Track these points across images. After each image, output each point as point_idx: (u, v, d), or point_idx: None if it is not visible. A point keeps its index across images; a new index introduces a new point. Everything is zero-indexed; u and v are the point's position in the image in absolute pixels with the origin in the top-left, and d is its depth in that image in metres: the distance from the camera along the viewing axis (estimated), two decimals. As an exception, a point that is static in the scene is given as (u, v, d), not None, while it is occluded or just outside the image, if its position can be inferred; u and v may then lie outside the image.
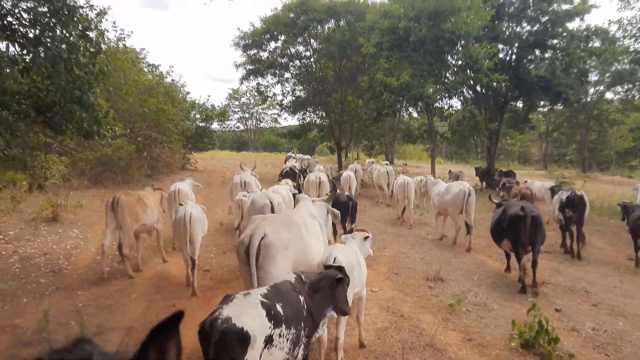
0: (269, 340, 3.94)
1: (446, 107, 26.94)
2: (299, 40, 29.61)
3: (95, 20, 10.82)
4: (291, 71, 31.84)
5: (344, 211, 10.66)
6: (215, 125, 37.48)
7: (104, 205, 9.78)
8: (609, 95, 42.28)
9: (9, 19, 7.50)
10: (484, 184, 27.15)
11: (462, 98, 27.36)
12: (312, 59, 30.93)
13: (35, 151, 10.50)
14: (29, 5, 7.53)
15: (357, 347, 6.40)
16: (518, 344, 6.38)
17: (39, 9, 7.59)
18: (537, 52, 26.05)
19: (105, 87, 10.21)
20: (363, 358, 6.16)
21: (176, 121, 26.33)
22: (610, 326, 7.30)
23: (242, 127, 74.44)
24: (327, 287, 4.83)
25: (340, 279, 4.86)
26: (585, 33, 24.56)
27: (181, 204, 9.61)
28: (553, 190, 14.95)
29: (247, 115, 72.85)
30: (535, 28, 25.47)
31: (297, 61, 31.12)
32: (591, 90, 41.26)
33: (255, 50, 30.76)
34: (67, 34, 7.93)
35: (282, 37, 29.27)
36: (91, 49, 8.21)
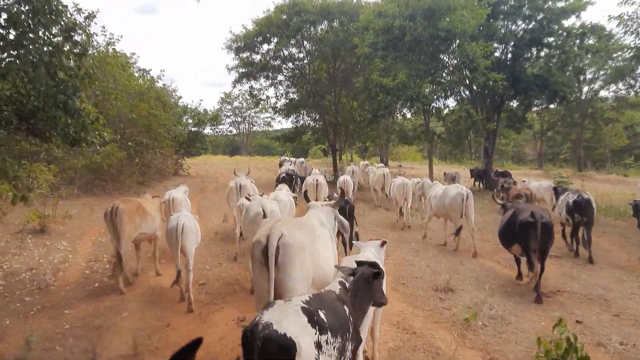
0: (318, 347, 3.75)
1: (442, 107, 26.46)
2: (291, 42, 29.02)
3: (84, 23, 10.26)
4: (284, 73, 31.30)
5: (342, 215, 10.20)
6: (207, 130, 37.10)
7: (103, 214, 9.36)
8: (603, 93, 42.11)
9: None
10: (482, 184, 26.79)
11: (458, 98, 26.91)
12: (305, 61, 30.41)
13: (20, 160, 9.96)
14: (8, 2, 6.97)
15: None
16: (545, 363, 5.89)
17: (20, 8, 7.05)
18: (533, 50, 25.66)
19: (92, 91, 9.60)
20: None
21: (168, 126, 25.83)
22: (638, 339, 6.82)
23: (234, 131, 73.82)
24: (365, 285, 4.71)
25: (377, 274, 4.75)
26: (580, 30, 24.19)
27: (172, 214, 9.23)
28: (556, 191, 14.58)
29: (239, 119, 72.16)
30: (530, 26, 25.08)
31: (290, 63, 30.58)
32: (585, 89, 41.09)
33: (248, 53, 30.20)
34: (50, 36, 7.39)
35: (275, 39, 28.69)
36: (75, 50, 7.63)
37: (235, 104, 69.52)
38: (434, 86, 23.32)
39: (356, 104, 30.06)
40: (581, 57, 24.92)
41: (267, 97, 33.25)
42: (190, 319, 7.63)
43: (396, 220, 16.21)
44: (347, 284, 4.71)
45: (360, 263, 4.93)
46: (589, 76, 35.55)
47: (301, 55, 30.47)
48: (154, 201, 10.93)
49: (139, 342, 6.53)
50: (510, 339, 6.76)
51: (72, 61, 7.69)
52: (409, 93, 21.48)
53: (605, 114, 42.35)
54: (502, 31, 25.52)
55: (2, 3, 6.93)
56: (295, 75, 31.08)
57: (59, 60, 7.37)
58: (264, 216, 8.36)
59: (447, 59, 24.65)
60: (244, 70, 30.53)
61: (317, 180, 15.38)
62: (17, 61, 7.03)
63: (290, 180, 18.78)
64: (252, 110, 68.94)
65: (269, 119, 66.50)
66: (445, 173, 25.92)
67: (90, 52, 13.57)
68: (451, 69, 24.42)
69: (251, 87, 32.19)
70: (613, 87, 40.09)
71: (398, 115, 33.02)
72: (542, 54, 25.68)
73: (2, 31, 6.95)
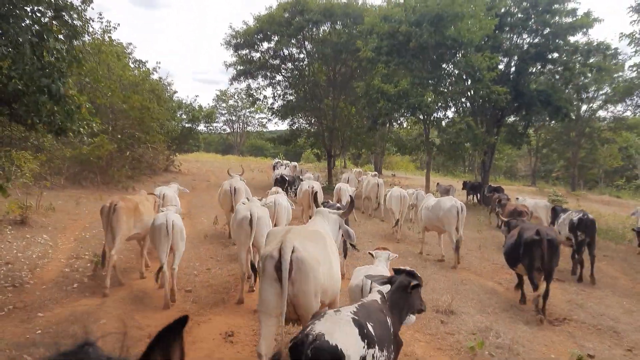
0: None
1: (443, 118, 25.99)
2: (292, 41, 28.45)
3: (80, 7, 9.67)
4: (283, 73, 30.77)
5: None
6: (201, 127, 36.60)
7: (100, 210, 9.02)
8: (601, 113, 41.78)
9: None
10: (476, 198, 26.32)
11: (460, 109, 26.45)
12: (305, 62, 29.86)
13: (4, 147, 9.37)
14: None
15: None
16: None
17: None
18: (538, 65, 25.23)
19: (81, 77, 8.97)
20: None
21: (161, 121, 25.22)
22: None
23: (228, 130, 73.13)
24: (403, 295, 4.65)
25: (416, 285, 4.69)
26: (586, 47, 23.83)
27: (162, 210, 8.95)
28: (555, 210, 14.17)
29: (234, 118, 71.46)
30: (536, 40, 24.69)
31: (290, 63, 30.04)
32: (584, 107, 40.71)
33: (247, 51, 29.66)
34: (38, 14, 6.79)
35: (276, 38, 28.09)
36: (64, 31, 7.03)
37: (231, 102, 68.84)
38: (436, 96, 22.81)
39: (354, 109, 29.56)
40: (584, 74, 24.59)
41: (265, 97, 32.80)
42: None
43: (392, 232, 15.69)
44: (385, 294, 4.64)
45: (398, 271, 4.89)
46: (586, 96, 35.09)
47: (301, 55, 30.01)
48: (149, 199, 10.56)
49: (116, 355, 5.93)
50: (521, 373, 6.22)
51: (60, 43, 7.09)
52: (412, 101, 20.99)
53: (603, 134, 42.04)
54: (507, 44, 25.16)
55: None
56: (294, 76, 30.54)
57: (46, 41, 6.77)
58: (250, 222, 8.18)
59: (451, 69, 24.20)
60: (242, 67, 29.99)
61: (312, 187, 14.98)
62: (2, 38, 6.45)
63: (283, 182, 18.24)
64: (247, 110, 68.21)
65: (264, 120, 65.89)
66: (438, 184, 25.59)
67: (85, 38, 12.99)
68: (454, 79, 23.98)
69: (248, 85, 31.70)
70: (612, 107, 39.88)
71: (396, 124, 32.54)
72: (547, 69, 25.25)
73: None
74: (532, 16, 24.16)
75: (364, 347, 3.65)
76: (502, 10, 24.39)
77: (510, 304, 9.14)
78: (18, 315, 7.13)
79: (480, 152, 24.89)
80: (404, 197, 15.53)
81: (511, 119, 27.86)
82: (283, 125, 33.93)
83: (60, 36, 7.20)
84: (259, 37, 28.56)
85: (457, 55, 22.98)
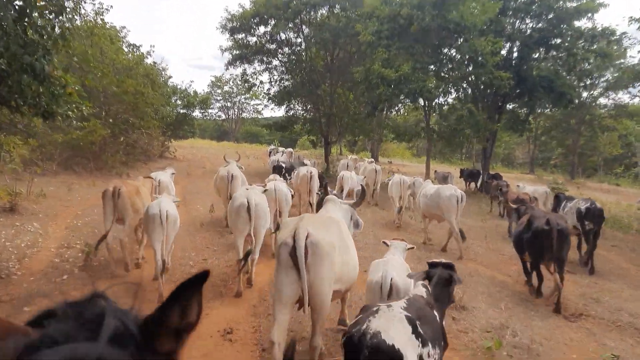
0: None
1: (444, 104, 25.52)
2: (289, 25, 27.84)
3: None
4: (279, 58, 30.19)
5: None
6: (196, 113, 36.18)
7: (102, 194, 8.71)
8: (602, 100, 41.40)
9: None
10: (476, 185, 26.01)
11: (462, 94, 25.99)
12: (302, 47, 29.27)
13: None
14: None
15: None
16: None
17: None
18: (541, 50, 24.73)
19: (69, 57, 8.43)
20: None
21: (156, 106, 24.69)
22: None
23: (223, 117, 72.40)
24: (445, 289, 4.57)
25: (452, 277, 4.62)
26: (591, 33, 23.34)
27: (156, 197, 8.80)
28: (558, 198, 13.89)
29: (229, 104, 70.79)
30: (540, 25, 24.20)
31: (287, 48, 29.47)
32: (585, 94, 40.25)
33: (243, 35, 29.08)
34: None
35: (272, 22, 27.47)
36: (48, 6, 6.52)
37: (226, 88, 68.22)
38: (438, 81, 22.32)
39: (352, 95, 29.05)
40: (588, 60, 24.12)
41: (261, 82, 32.23)
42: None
43: (393, 220, 15.29)
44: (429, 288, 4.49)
45: (433, 264, 4.80)
46: (589, 82, 34.64)
47: (298, 40, 29.47)
48: (146, 183, 10.38)
49: None
50: (542, 377, 5.80)
51: (44, 20, 6.57)
52: (413, 87, 20.50)
53: (604, 122, 41.66)
54: (510, 28, 24.65)
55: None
56: (290, 61, 29.98)
57: (29, 17, 6.26)
58: (248, 209, 7.92)
59: (453, 53, 23.70)
60: (238, 52, 29.43)
61: (310, 173, 14.48)
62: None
63: (281, 169, 17.78)
64: (243, 96, 67.66)
65: (259, 106, 65.40)
66: (435, 172, 25.23)
67: (77, 19, 12.42)
68: (455, 64, 23.48)
69: (244, 70, 31.16)
70: (613, 94, 39.52)
71: (394, 110, 32.08)
72: (550, 55, 24.77)
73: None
74: (536, 0, 23.65)
75: (418, 346, 3.53)
76: (506, -7, 23.88)
77: (522, 298, 8.71)
78: (3, 309, 6.67)
79: (482, 139, 24.41)
80: (404, 183, 15.23)
81: (513, 105, 27.47)
82: (279, 112, 33.41)
83: (46, 12, 6.69)
84: (255, 20, 27.96)
85: (459, 39, 22.46)
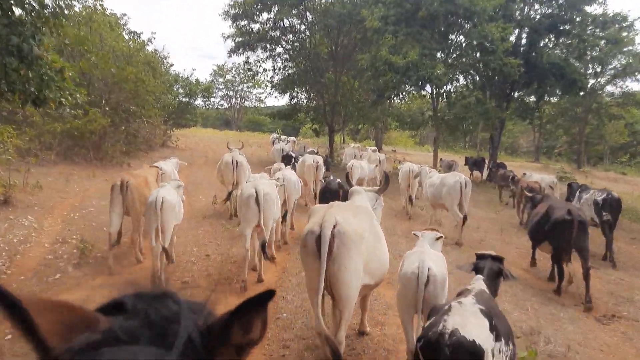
0: (492, 355, 3.40)
1: (453, 91, 24.91)
2: (293, 12, 27.29)
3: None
4: (283, 46, 29.60)
5: (334, 199, 9.38)
6: (198, 102, 35.69)
7: (111, 188, 8.59)
8: (609, 88, 40.74)
9: None
10: (481, 174, 25.69)
11: (469, 82, 25.44)
12: (306, 33, 28.67)
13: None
14: None
15: None
16: None
17: None
18: (551, 36, 24.11)
19: (61, 40, 7.86)
20: None
21: (157, 94, 24.16)
22: None
23: (226, 105, 71.83)
24: (494, 284, 4.49)
25: (501, 270, 4.56)
26: (602, 18, 22.75)
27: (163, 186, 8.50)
28: (571, 187, 13.83)
29: (231, 93, 70.14)
30: (549, 10, 23.60)
31: (290, 35, 28.91)
32: (592, 82, 39.61)
33: (246, 21, 28.54)
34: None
35: (276, 8, 26.96)
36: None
37: (228, 77, 67.54)
38: (446, 68, 21.73)
39: (357, 83, 28.48)
40: (599, 46, 23.53)
41: (264, 70, 31.72)
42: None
43: (403, 206, 14.84)
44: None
45: (481, 256, 4.71)
46: (599, 69, 34.00)
47: (302, 27, 29.01)
48: (152, 172, 10.21)
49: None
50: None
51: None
52: (421, 73, 19.93)
53: (611, 110, 41.03)
54: (519, 14, 24.05)
55: None
56: (294, 49, 29.43)
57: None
58: (257, 199, 7.68)
59: (461, 40, 23.11)
60: (240, 39, 28.87)
61: (317, 162, 14.14)
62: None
63: (290, 159, 17.27)
64: (245, 85, 67.08)
65: (262, 95, 64.95)
66: (441, 160, 24.96)
67: (75, 7, 11.86)
68: (464, 50, 22.88)
69: (247, 58, 30.71)
70: (620, 82, 38.86)
71: (397, 98, 31.43)
72: (560, 41, 24.15)
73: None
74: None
75: (493, 340, 3.42)
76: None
77: (548, 297, 8.18)
78: (-12, 313, 6.18)
79: (491, 127, 23.86)
80: (413, 171, 14.82)
81: (519, 93, 26.86)
82: (282, 101, 32.96)
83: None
84: (258, 7, 27.38)
85: (468, 25, 21.85)
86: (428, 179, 12.99)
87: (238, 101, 71.31)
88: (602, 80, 39.17)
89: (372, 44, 24.23)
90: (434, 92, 23.45)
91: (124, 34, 25.41)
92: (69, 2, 7.58)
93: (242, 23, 28.64)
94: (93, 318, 0.93)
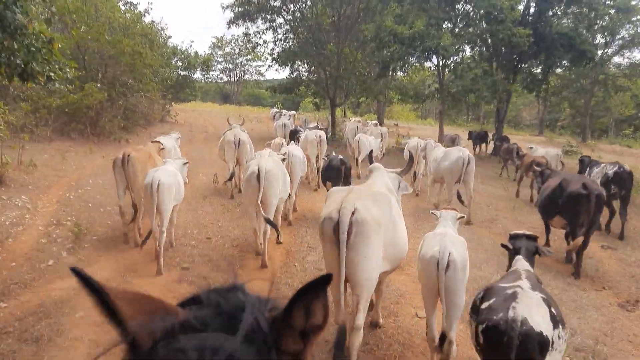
0: (552, 344, 3.41)
1: (460, 62, 24.25)
2: (295, -21, 26.50)
3: None
4: (284, 16, 28.77)
5: (337, 177, 10.01)
6: (197, 75, 35.10)
7: (112, 163, 8.42)
8: (616, 59, 39.99)
9: None
10: (484, 148, 25.25)
11: (476, 53, 24.78)
12: (307, 3, 27.86)
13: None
14: None
15: None
16: None
17: None
18: (562, 5, 23.35)
19: (46, 4, 7.28)
20: None
21: (155, 67, 23.56)
22: None
23: (225, 79, 70.87)
24: (532, 262, 4.49)
25: (537, 249, 4.55)
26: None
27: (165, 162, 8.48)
28: (582, 162, 13.59)
29: (230, 67, 69.18)
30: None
31: (291, 5, 28.03)
32: (599, 52, 38.90)
33: (246, -10, 27.63)
34: None
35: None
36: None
37: (227, 49, 66.55)
38: (454, 38, 21.08)
39: (360, 55, 27.77)
40: (609, 15, 22.84)
41: (264, 41, 30.99)
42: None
43: (409, 183, 14.43)
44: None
45: (515, 236, 4.68)
46: (609, 39, 33.25)
47: (304, -4, 27.95)
48: (154, 148, 9.91)
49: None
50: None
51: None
52: (428, 44, 19.29)
53: (618, 82, 40.36)
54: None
55: None
56: (295, 19, 28.60)
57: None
58: (258, 176, 7.46)
59: (468, 9, 22.39)
60: (240, 9, 27.98)
61: (320, 137, 13.87)
62: None
63: (296, 134, 16.78)
64: (245, 58, 66.15)
65: (262, 68, 64.26)
66: (444, 134, 24.27)
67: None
68: (471, 20, 22.19)
69: (247, 29, 29.86)
70: (628, 53, 38.14)
71: (400, 71, 30.73)
72: (570, 10, 23.40)
73: None
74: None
75: (554, 328, 3.43)
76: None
77: (568, 282, 7.74)
78: (-25, 305, 5.77)
79: (498, 100, 23.28)
80: (420, 146, 14.39)
81: (528, 65, 26.20)
82: (282, 74, 32.35)
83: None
84: (258, -26, 26.48)
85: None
86: (433, 154, 12.62)
87: (238, 74, 70.45)
88: (610, 51, 38.49)
89: (375, 14, 23.52)
90: (440, 64, 22.78)
91: (120, 4, 24.72)
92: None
93: (242, -8, 27.75)
94: (171, 310, 0.97)
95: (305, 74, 31.16)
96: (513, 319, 3.33)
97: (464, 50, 24.03)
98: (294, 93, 31.38)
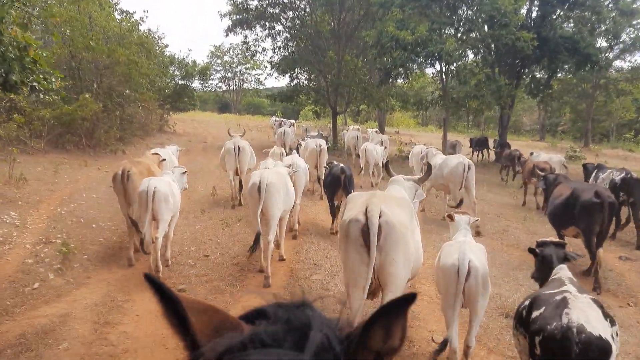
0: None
1: (463, 68, 23.87)
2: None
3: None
4: (282, 23, 28.45)
5: (336, 185, 9.93)
6: (196, 84, 34.81)
7: (112, 178, 8.35)
8: (617, 63, 39.72)
9: None
10: (485, 154, 25.01)
11: (479, 58, 24.45)
12: (307, 10, 27.52)
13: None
14: None
15: None
16: None
17: None
18: (565, 8, 23.01)
19: (25, 9, 6.80)
20: None
21: (151, 77, 23.17)
22: None
23: (224, 88, 70.58)
24: None
25: (566, 256, 4.44)
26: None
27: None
28: (586, 168, 13.37)
29: (229, 75, 68.91)
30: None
31: (290, 12, 27.73)
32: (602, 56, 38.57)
33: (243, -2, 27.33)
34: None
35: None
36: None
37: (226, 58, 66.38)
38: (457, 43, 20.70)
39: (360, 62, 27.39)
40: (610, 17, 22.52)
41: (263, 49, 30.68)
42: (160, 350, 5.18)
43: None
44: None
45: (543, 244, 4.62)
46: (613, 42, 33.01)
47: (303, 3, 27.84)
48: (154, 159, 9.87)
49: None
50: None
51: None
52: (431, 49, 18.89)
53: (620, 86, 40.07)
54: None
55: None
56: (294, 26, 28.31)
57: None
58: (259, 188, 7.39)
59: (470, 13, 22.03)
60: (238, 17, 27.75)
61: (320, 146, 13.63)
62: None
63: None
64: (244, 66, 65.93)
65: (261, 76, 64.20)
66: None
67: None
68: (474, 24, 21.83)
69: (245, 37, 29.64)
70: (629, 57, 37.85)
71: (400, 78, 30.38)
72: (574, 13, 23.05)
73: None
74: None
75: (609, 327, 3.34)
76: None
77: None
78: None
79: (503, 106, 22.89)
80: (423, 153, 14.35)
81: (531, 69, 25.89)
82: (282, 82, 32.02)
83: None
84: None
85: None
86: (433, 161, 12.17)
87: (237, 83, 70.18)
88: (611, 55, 38.23)
89: (375, 20, 23.18)
90: (443, 70, 22.41)
91: (115, 13, 24.42)
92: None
93: (240, 0, 27.50)
94: (236, 323, 0.99)
95: (305, 82, 30.87)
96: (569, 325, 3.24)
97: (467, 56, 23.65)
98: (294, 101, 31.00)
